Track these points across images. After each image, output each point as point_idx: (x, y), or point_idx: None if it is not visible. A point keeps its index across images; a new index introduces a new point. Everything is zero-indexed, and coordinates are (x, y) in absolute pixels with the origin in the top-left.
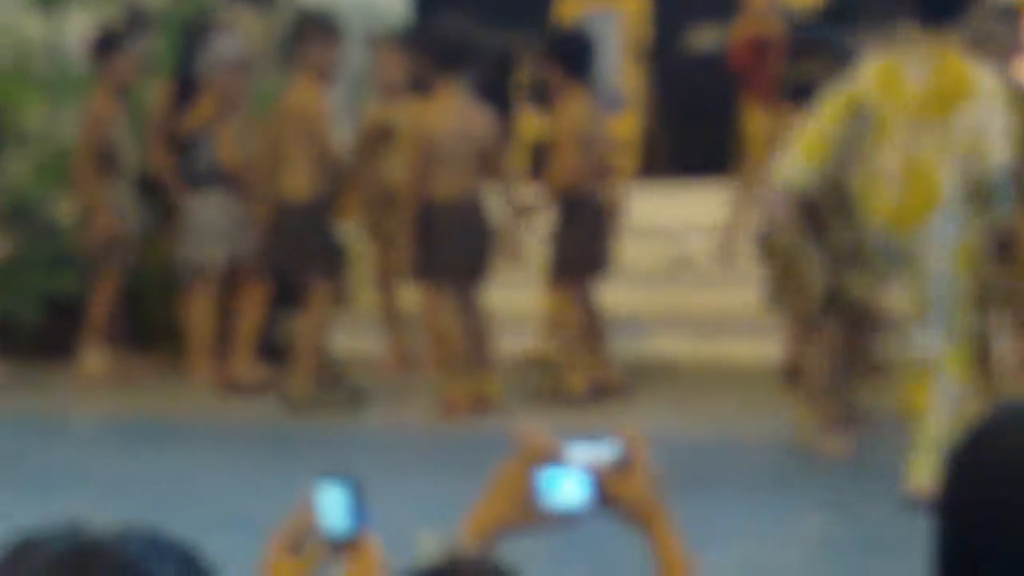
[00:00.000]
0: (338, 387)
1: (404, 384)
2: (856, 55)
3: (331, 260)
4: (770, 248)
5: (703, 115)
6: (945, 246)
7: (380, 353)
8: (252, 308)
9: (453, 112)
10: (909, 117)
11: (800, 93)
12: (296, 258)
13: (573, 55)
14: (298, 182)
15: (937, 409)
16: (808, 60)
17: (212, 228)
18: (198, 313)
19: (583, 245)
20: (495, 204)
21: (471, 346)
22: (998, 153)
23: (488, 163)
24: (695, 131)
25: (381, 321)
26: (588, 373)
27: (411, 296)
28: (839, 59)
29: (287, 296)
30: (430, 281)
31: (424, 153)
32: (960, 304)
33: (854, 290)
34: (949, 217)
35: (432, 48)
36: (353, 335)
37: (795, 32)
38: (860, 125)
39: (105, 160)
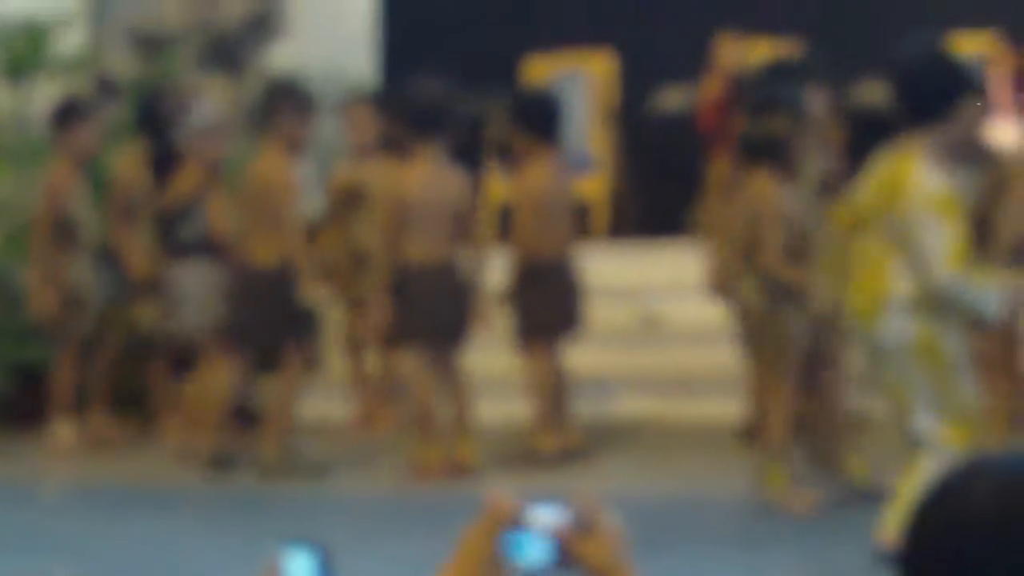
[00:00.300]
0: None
1: (374, 447)
2: (810, 112)
3: (300, 326)
4: (743, 310)
5: (671, 176)
6: (899, 342)
7: (349, 417)
8: (216, 379)
9: (428, 176)
10: (873, 215)
11: (758, 152)
12: (266, 325)
13: (538, 117)
14: (265, 250)
15: (923, 471)
16: (765, 119)
17: (194, 299)
18: (176, 382)
19: (548, 308)
20: (467, 268)
21: (450, 411)
22: (932, 272)
23: (461, 227)
24: (663, 192)
25: (350, 385)
26: (559, 435)
27: (378, 360)
28: (795, 117)
29: (260, 363)
30: (406, 345)
31: (398, 217)
32: (939, 388)
33: (826, 349)
34: (898, 315)
35: (407, 112)
36: (323, 400)
37: (749, 90)
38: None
39: (63, 232)
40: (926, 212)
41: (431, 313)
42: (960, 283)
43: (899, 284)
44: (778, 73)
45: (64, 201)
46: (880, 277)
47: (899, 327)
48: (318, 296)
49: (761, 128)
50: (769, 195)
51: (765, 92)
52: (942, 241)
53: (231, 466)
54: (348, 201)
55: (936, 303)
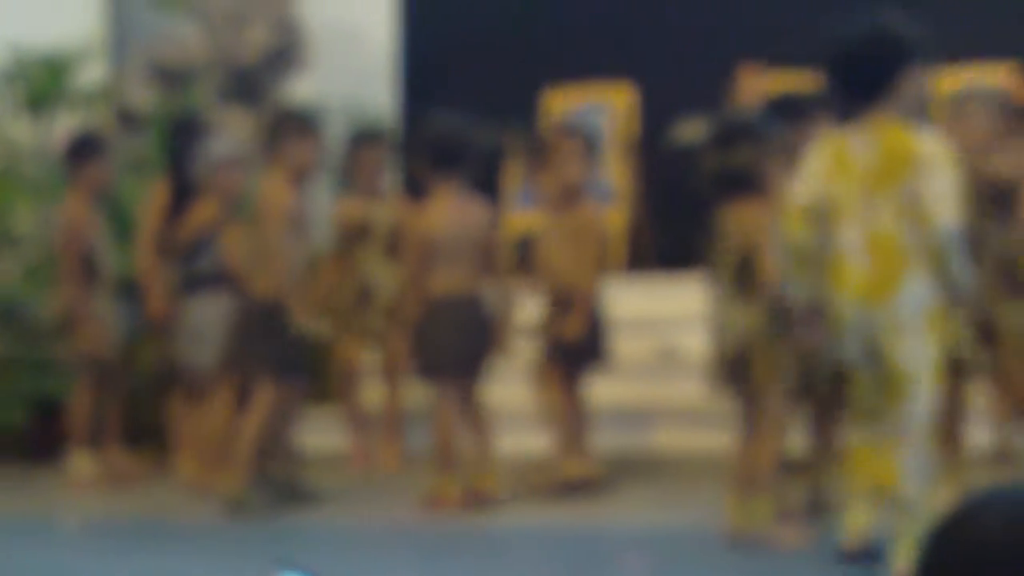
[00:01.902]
0: (267, 484)
1: (386, 479)
2: (784, 142)
3: (284, 359)
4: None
5: (690, 208)
6: (916, 310)
7: (351, 452)
8: (229, 412)
9: (451, 210)
10: (862, 192)
11: (727, 184)
12: (250, 356)
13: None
14: (263, 280)
15: (905, 478)
16: (730, 152)
17: (209, 333)
18: (190, 416)
19: (578, 337)
20: (492, 300)
21: (474, 442)
22: (942, 216)
23: (485, 259)
24: (682, 224)
25: (347, 421)
26: (582, 466)
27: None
28: (764, 147)
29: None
30: (428, 378)
31: (423, 253)
32: (928, 371)
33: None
34: (916, 282)
35: (428, 148)
36: (335, 432)
37: (722, 122)
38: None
39: (85, 266)
40: (936, 166)
41: (455, 345)
42: (958, 239)
43: (916, 249)
44: (779, 108)
45: (84, 234)
46: (895, 246)
47: (918, 292)
48: (321, 329)
49: (724, 162)
50: (757, 222)
51: (728, 124)
52: (951, 188)
53: (247, 504)
54: (354, 236)
55: (939, 258)
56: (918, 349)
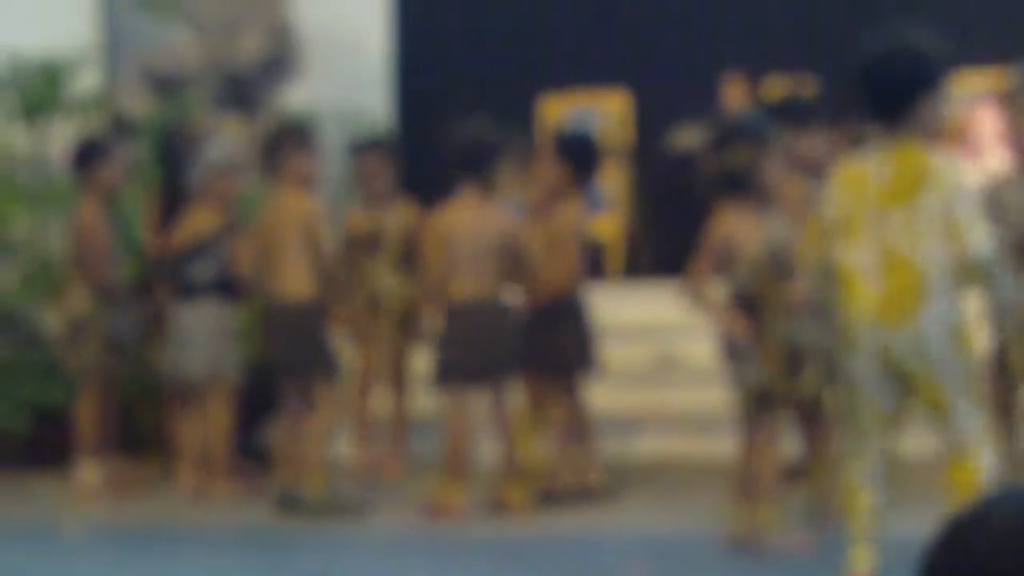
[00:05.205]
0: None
1: (384, 486)
2: (780, 142)
3: (331, 363)
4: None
5: (685, 214)
6: (942, 332)
7: (359, 460)
8: (224, 418)
9: (473, 215)
10: (876, 211)
11: (723, 186)
12: (298, 362)
13: (585, 157)
14: (295, 286)
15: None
16: (730, 151)
17: (203, 340)
18: (185, 423)
19: (572, 345)
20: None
21: (501, 450)
22: (977, 243)
23: (510, 264)
24: (677, 230)
25: (358, 427)
26: (578, 474)
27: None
28: (761, 146)
29: (267, 403)
30: (451, 385)
31: (445, 256)
32: (968, 383)
33: (802, 388)
34: (939, 302)
35: (456, 151)
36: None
37: (720, 124)
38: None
39: (95, 270)
40: (959, 189)
41: (478, 352)
42: (994, 261)
43: (937, 268)
44: (776, 112)
45: (93, 239)
46: (911, 266)
47: (942, 310)
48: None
49: (721, 162)
50: (741, 226)
51: (725, 126)
52: (977, 209)
53: (297, 505)
54: (364, 245)
55: (977, 276)
56: (949, 368)
